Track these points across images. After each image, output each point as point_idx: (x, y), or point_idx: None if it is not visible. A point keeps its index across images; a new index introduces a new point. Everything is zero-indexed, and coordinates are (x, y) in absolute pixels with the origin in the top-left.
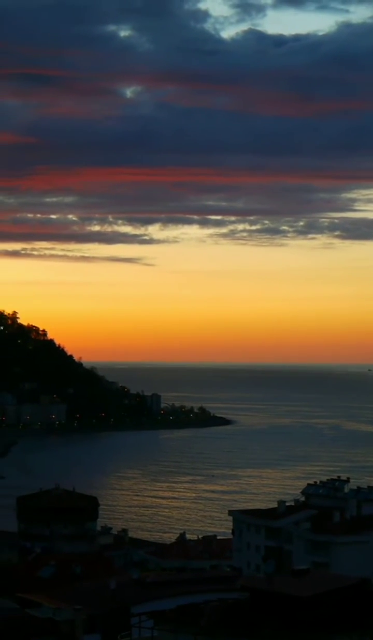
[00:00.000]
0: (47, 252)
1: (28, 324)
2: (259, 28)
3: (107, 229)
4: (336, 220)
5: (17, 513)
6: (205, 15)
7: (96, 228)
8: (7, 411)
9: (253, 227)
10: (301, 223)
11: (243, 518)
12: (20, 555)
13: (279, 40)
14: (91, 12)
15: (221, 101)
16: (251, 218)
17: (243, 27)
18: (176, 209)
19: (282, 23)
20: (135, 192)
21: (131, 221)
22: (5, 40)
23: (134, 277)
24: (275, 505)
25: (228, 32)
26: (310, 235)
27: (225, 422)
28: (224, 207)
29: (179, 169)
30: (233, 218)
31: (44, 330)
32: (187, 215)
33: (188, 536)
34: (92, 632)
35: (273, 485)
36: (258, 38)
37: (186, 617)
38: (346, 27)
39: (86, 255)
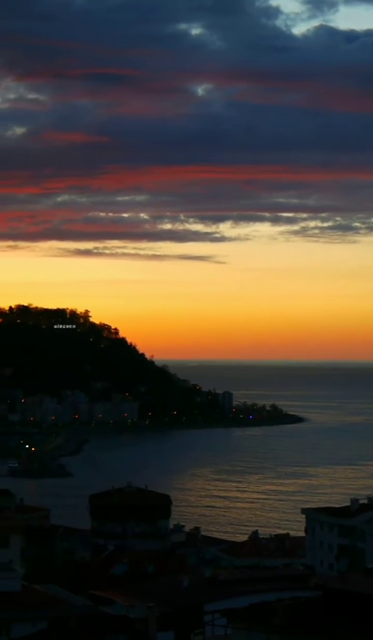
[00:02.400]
0: (118, 250)
1: (100, 322)
2: (331, 24)
3: (179, 227)
4: None
5: (90, 511)
6: (276, 11)
7: (168, 226)
8: (79, 409)
9: (325, 224)
10: None
11: (316, 516)
12: (94, 553)
13: (351, 36)
14: (162, 11)
15: (293, 98)
16: (323, 215)
17: (315, 23)
18: (247, 206)
19: (354, 18)
20: (206, 190)
21: (202, 219)
22: (76, 40)
23: (206, 275)
24: (348, 503)
25: (300, 29)
26: None
27: (297, 420)
28: (295, 204)
29: (251, 167)
30: (304, 215)
31: (115, 329)
32: (258, 213)
33: (261, 534)
34: (166, 629)
35: (345, 483)
36: (329, 34)
37: (259, 616)
38: None
39: (158, 253)
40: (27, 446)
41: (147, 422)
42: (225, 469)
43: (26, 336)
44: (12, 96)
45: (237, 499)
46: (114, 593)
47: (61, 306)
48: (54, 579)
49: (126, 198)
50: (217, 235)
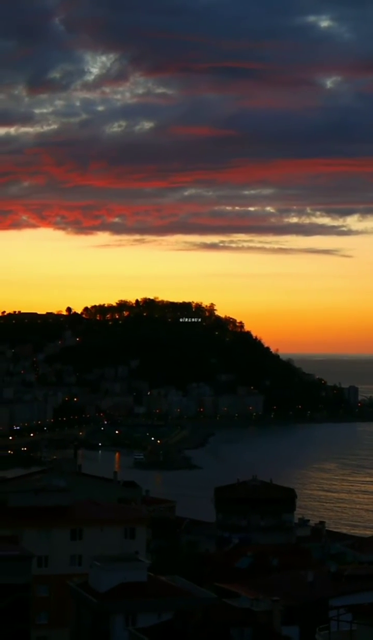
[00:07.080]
0: (245, 244)
1: (225, 316)
2: None
3: (305, 220)
4: None
5: (215, 503)
6: None
7: (294, 220)
8: (204, 402)
9: None
10: None
11: None
12: (218, 546)
13: None
14: (290, 3)
15: None
16: None
17: None
18: None
19: None
20: (333, 183)
21: (329, 212)
22: (204, 34)
23: (332, 268)
24: None
25: None
26: None
27: None
28: None
29: None
30: None
31: (241, 322)
32: None
33: None
34: (290, 623)
35: None
36: None
37: None
38: None
39: (284, 247)
40: (152, 438)
41: (272, 416)
42: (350, 464)
43: (152, 329)
44: (140, 91)
45: (364, 492)
46: (238, 586)
47: (187, 299)
48: (179, 570)
49: (253, 192)
50: (344, 228)
